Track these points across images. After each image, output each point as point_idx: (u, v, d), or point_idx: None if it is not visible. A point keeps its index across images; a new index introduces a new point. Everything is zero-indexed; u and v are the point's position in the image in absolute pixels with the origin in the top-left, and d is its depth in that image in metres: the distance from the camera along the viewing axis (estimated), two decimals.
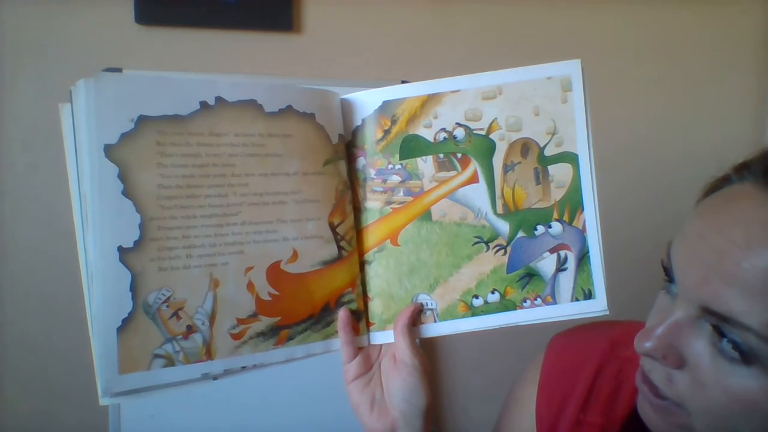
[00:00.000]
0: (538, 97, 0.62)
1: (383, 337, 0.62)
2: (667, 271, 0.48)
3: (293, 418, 1.16)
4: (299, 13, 1.19)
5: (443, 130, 0.63)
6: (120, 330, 0.50)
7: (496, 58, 1.26)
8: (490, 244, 0.62)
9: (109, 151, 0.50)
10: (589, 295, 0.62)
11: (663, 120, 1.37)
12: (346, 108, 0.63)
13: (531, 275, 0.62)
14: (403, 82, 1.19)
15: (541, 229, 0.62)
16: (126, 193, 0.51)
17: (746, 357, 0.40)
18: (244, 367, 0.56)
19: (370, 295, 0.63)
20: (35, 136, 1.09)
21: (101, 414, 1.09)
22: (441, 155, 0.63)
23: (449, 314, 0.62)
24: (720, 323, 0.41)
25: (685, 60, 1.37)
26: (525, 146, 0.62)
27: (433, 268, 0.62)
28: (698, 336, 0.43)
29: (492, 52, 1.27)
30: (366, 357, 0.62)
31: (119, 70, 1.08)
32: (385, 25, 1.23)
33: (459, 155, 0.63)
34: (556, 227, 0.62)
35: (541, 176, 0.62)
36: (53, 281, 1.11)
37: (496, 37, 1.27)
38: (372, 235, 0.63)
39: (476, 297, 0.62)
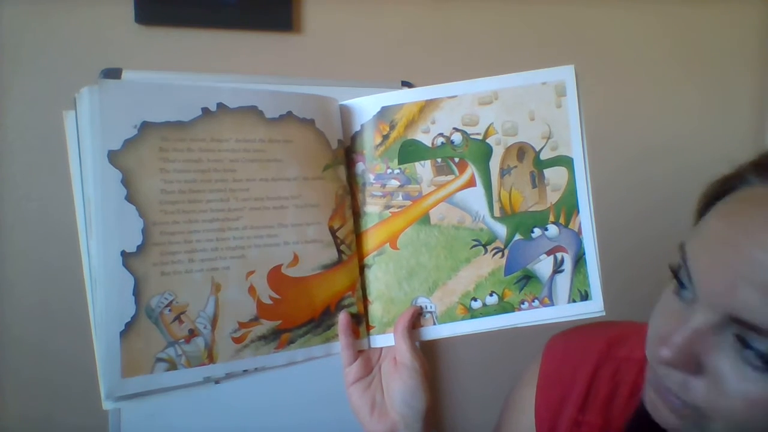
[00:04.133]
0: (533, 102, 0.62)
1: (383, 340, 0.63)
2: (678, 276, 0.46)
3: (293, 421, 1.16)
4: (299, 13, 1.19)
5: (441, 135, 0.63)
6: (123, 334, 0.50)
7: (497, 58, 1.27)
8: (487, 246, 0.63)
9: (112, 157, 0.51)
10: (585, 297, 0.63)
11: (662, 123, 1.37)
12: (345, 114, 0.64)
13: (528, 277, 0.63)
14: (403, 82, 1.20)
15: (537, 231, 0.63)
16: (129, 198, 0.52)
17: None
18: (245, 371, 0.56)
19: (370, 298, 0.64)
20: (35, 137, 1.08)
21: (101, 416, 1.08)
22: (439, 160, 0.63)
23: (448, 317, 0.63)
24: (746, 332, 0.40)
25: (684, 62, 1.37)
26: (521, 150, 0.63)
27: (432, 271, 0.63)
28: (720, 344, 0.41)
29: (492, 51, 1.27)
30: (366, 360, 0.62)
31: (119, 70, 1.08)
32: (385, 25, 1.23)
33: (456, 160, 0.63)
34: (553, 230, 0.63)
35: (537, 180, 0.63)
36: (54, 285, 1.11)
37: (497, 37, 1.28)
38: (371, 239, 0.64)
39: (475, 299, 0.63)
